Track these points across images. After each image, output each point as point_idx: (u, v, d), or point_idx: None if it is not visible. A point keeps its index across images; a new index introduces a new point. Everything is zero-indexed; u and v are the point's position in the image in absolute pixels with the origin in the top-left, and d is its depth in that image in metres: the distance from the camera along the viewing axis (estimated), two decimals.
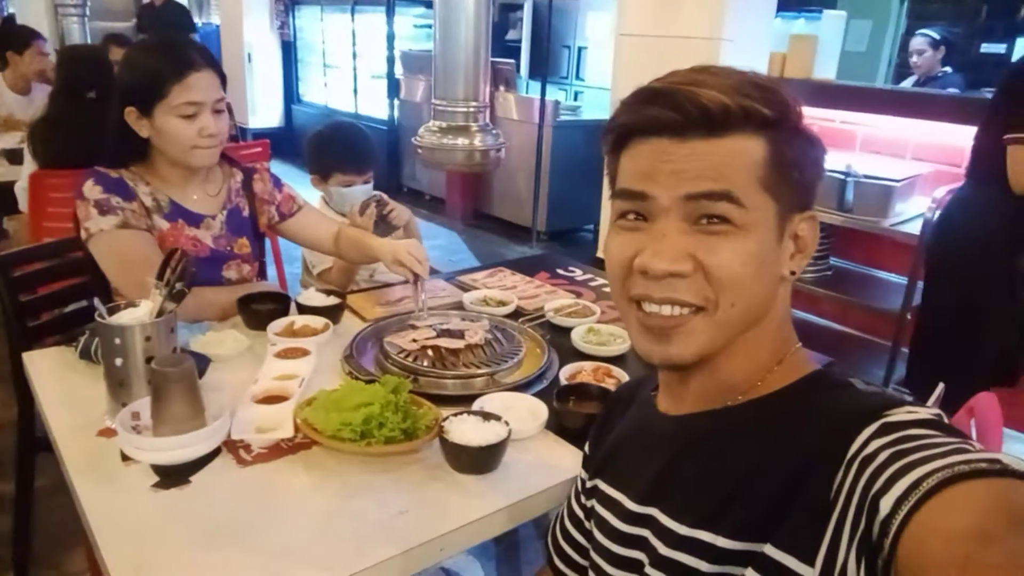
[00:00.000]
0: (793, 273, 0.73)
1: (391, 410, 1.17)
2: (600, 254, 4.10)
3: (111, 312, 1.21)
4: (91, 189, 1.53)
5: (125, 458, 1.11)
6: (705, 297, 0.69)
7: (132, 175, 1.59)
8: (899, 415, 0.59)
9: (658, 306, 0.70)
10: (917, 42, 4.39)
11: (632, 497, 0.79)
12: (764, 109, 0.67)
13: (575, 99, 6.92)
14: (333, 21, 7.55)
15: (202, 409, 1.13)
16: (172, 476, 1.08)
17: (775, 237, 0.70)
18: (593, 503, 0.88)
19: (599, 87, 6.82)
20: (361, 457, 1.15)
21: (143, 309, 1.21)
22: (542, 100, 5.14)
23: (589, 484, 0.91)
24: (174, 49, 1.55)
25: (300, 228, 1.89)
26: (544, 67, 5.54)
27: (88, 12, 6.57)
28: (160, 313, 1.20)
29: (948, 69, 4.21)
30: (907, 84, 4.44)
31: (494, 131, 1.74)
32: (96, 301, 1.19)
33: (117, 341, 1.16)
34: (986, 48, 4.82)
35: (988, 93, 2.91)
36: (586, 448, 0.98)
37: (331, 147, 2.24)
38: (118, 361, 1.17)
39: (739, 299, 0.69)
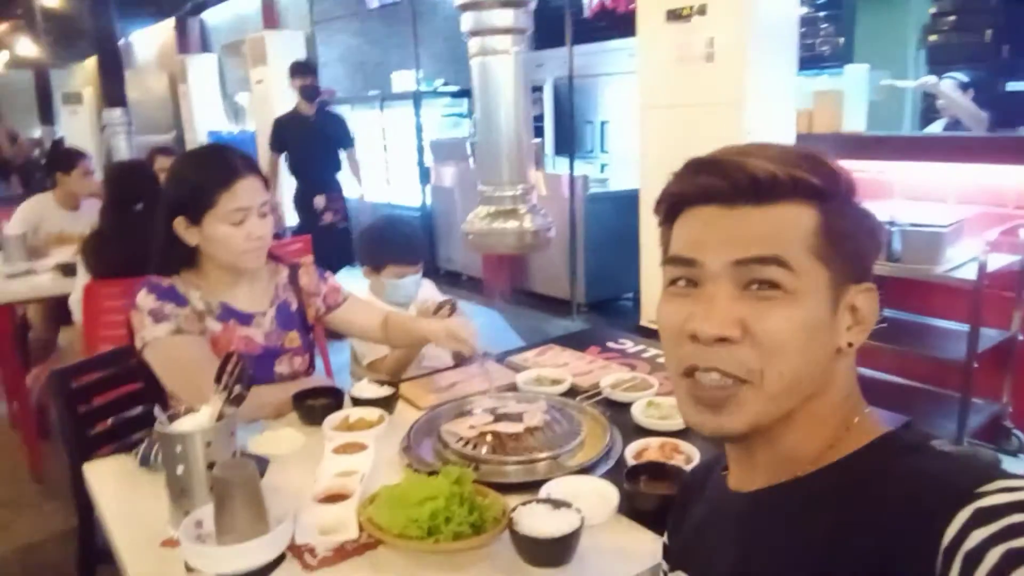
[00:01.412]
0: (851, 345, 0.70)
1: (457, 503, 1.13)
2: (644, 322, 4.06)
3: (171, 419, 1.20)
4: (144, 298, 1.56)
5: (190, 569, 1.09)
6: (749, 369, 0.66)
7: (183, 281, 1.63)
8: (994, 498, 0.55)
9: (706, 374, 0.69)
10: (950, 84, 4.35)
11: None
12: (812, 178, 0.67)
13: (602, 171, 7.02)
14: (362, 117, 7.82)
15: (265, 513, 1.10)
16: None
17: (828, 307, 0.68)
18: None
19: (625, 159, 6.92)
20: (430, 555, 1.10)
21: (203, 414, 1.20)
22: (571, 175, 5.21)
23: (671, 574, 0.86)
24: (220, 158, 1.61)
25: (348, 318, 1.90)
26: (570, 143, 5.64)
27: (132, 128, 6.91)
28: (220, 417, 1.19)
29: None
30: (936, 128, 4.41)
31: (542, 211, 1.74)
32: (156, 409, 1.19)
33: (178, 448, 1.16)
34: (1012, 86, 4.79)
35: None
36: (665, 538, 0.93)
37: (384, 239, 2.27)
38: (179, 469, 1.16)
39: (787, 368, 0.66)
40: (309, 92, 5.30)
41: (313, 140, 5.29)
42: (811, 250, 0.66)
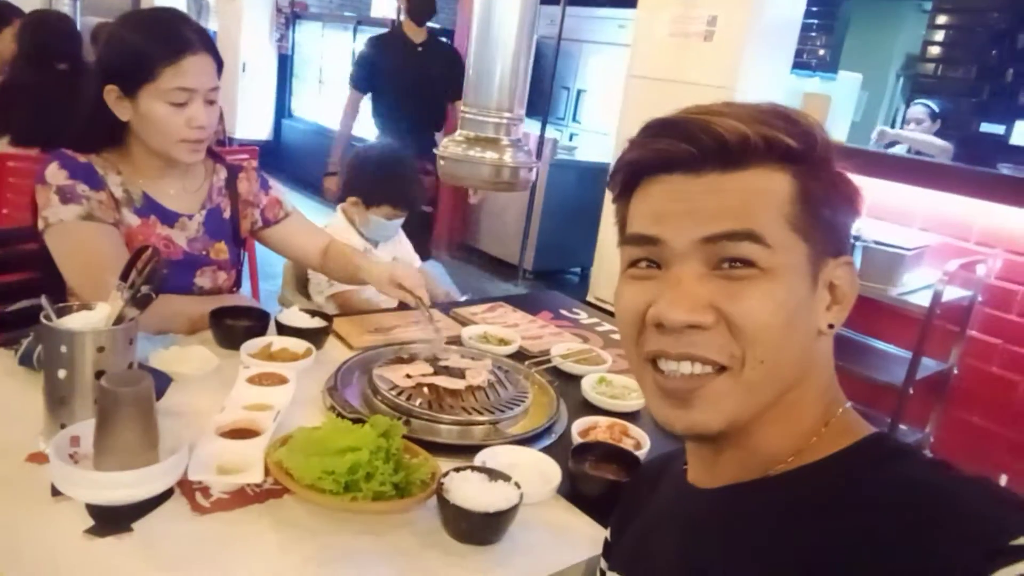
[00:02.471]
0: (831, 327, 0.62)
1: (381, 459, 0.98)
2: (591, 298, 3.97)
3: (60, 313, 1.02)
4: (54, 174, 1.35)
5: (56, 492, 0.92)
6: (730, 354, 0.59)
7: (103, 161, 1.41)
8: None
9: (676, 363, 0.61)
10: (916, 111, 4.33)
11: None
12: (787, 138, 0.59)
13: (570, 140, 6.87)
14: (334, 38, 7.45)
15: (156, 440, 0.94)
16: (111, 520, 0.89)
17: (808, 284, 0.60)
18: None
19: (595, 131, 6.79)
20: (342, 513, 0.96)
21: (99, 313, 1.02)
22: (541, 138, 5.05)
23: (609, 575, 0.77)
24: (169, 26, 1.38)
25: (286, 237, 1.70)
26: (545, 106, 5.47)
27: (79, 2, 6.37)
28: (119, 320, 1.01)
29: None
30: (899, 151, 4.41)
31: (526, 148, 1.58)
32: (43, 300, 1.00)
33: (63, 349, 0.97)
34: (985, 128, 4.84)
35: (1005, 169, 2.86)
36: (608, 534, 0.83)
37: (391, 178, 2.11)
38: (61, 373, 0.98)
39: (768, 354, 0.59)
40: (423, 7, 3.52)
41: (419, 80, 3.57)
42: (787, 221, 0.59)
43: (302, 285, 2.17)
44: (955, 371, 3.00)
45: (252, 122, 7.75)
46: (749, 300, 0.58)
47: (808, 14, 5.84)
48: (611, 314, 3.43)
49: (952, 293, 2.82)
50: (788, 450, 0.62)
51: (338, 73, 7.36)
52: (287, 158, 7.67)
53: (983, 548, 0.47)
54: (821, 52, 6.52)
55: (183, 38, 1.36)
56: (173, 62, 1.34)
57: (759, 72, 3.14)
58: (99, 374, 0.98)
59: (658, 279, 0.62)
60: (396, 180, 2.09)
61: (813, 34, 5.86)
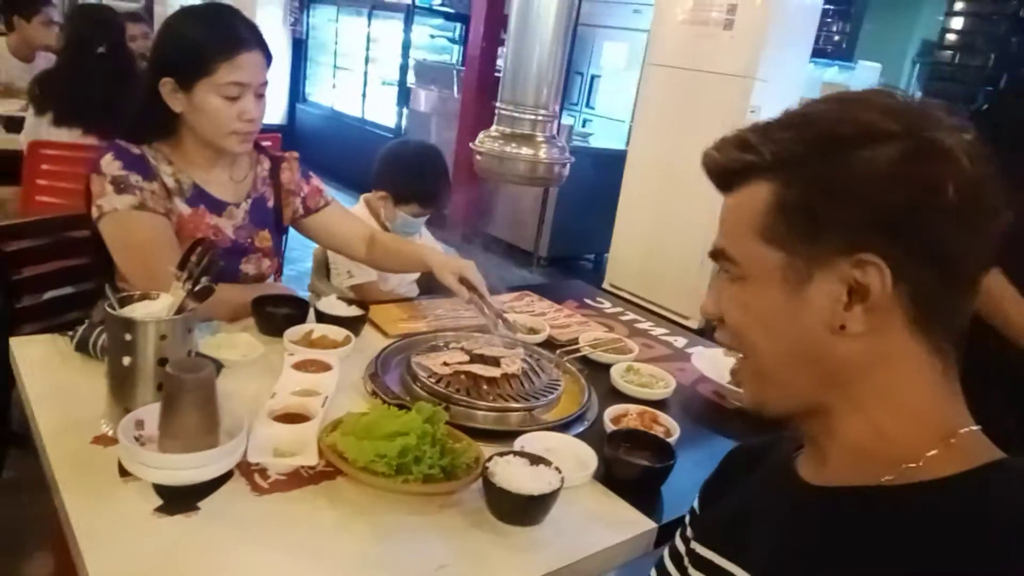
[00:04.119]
0: (843, 327, 0.61)
1: (428, 443, 1.04)
2: (606, 285, 4.00)
3: (123, 303, 1.07)
4: (109, 164, 1.39)
5: (124, 472, 0.97)
6: (733, 345, 0.70)
7: (155, 152, 1.46)
8: None
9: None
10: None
11: (749, 569, 0.68)
12: (756, 157, 0.64)
13: (583, 126, 6.87)
14: (348, 23, 7.45)
15: (218, 424, 0.99)
16: (179, 500, 0.94)
17: (784, 289, 0.64)
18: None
19: (609, 117, 6.79)
20: (393, 494, 1.01)
21: (160, 303, 1.07)
22: (557, 124, 5.06)
23: (699, 551, 0.77)
24: (226, 22, 1.43)
25: (327, 225, 1.74)
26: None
27: None
28: (180, 310, 1.06)
29: None
30: None
31: (560, 143, 1.61)
32: (108, 289, 1.05)
33: (127, 337, 1.02)
34: None
35: None
36: (695, 505, 0.86)
37: (425, 176, 2.13)
38: (126, 360, 1.03)
39: (752, 348, 0.68)
40: None
41: None
42: (758, 233, 0.64)
43: (327, 273, 2.22)
44: None
45: (267, 107, 7.78)
46: (727, 301, 0.69)
47: (826, 0, 5.83)
48: (630, 302, 3.45)
49: None
50: (895, 460, 0.61)
51: (353, 58, 7.38)
52: (302, 143, 7.69)
53: None
54: (837, 39, 6.50)
55: (239, 35, 1.41)
56: (229, 58, 1.39)
57: (779, 61, 3.14)
58: (161, 361, 1.03)
59: None
60: (428, 180, 2.11)
61: (829, 20, 5.84)
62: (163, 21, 1.56)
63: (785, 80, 3.20)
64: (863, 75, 3.30)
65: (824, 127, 0.62)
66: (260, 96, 1.45)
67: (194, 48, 1.40)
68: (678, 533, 0.85)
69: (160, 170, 1.44)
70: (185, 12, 1.48)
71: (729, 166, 0.67)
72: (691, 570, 0.77)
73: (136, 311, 1.06)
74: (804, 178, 0.62)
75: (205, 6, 1.60)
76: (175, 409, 0.96)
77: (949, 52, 5.25)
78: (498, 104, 1.59)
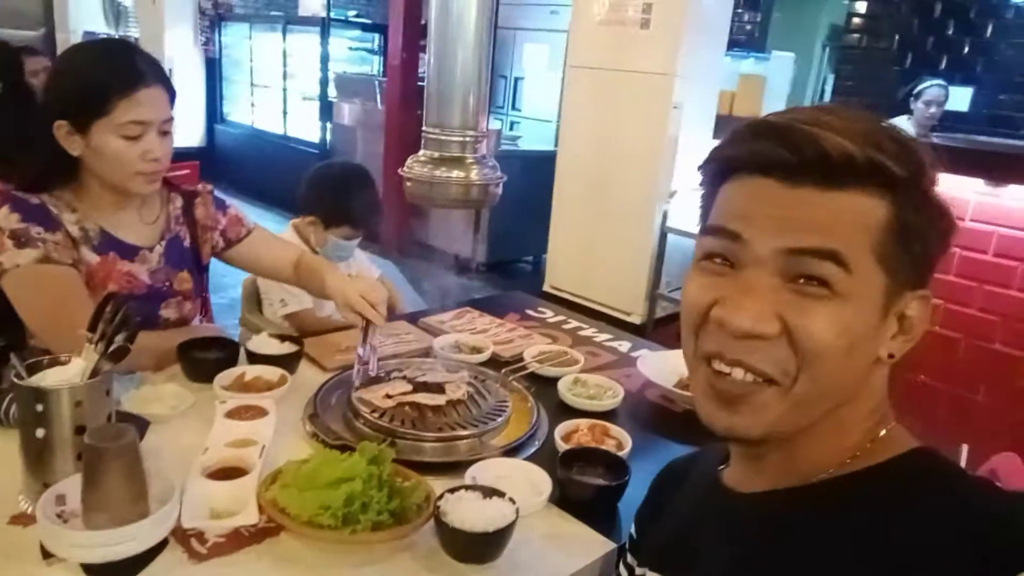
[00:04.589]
0: (892, 356, 0.63)
1: (375, 486, 1.00)
2: (547, 287, 4.01)
3: (31, 370, 0.99)
4: (7, 217, 1.30)
5: (47, 554, 0.90)
6: (784, 370, 0.59)
7: (56, 200, 1.37)
8: None
9: (728, 368, 0.62)
10: (935, 92, 4.09)
11: None
12: (894, 166, 0.57)
13: (511, 128, 6.88)
14: (263, 39, 7.27)
15: (145, 491, 0.93)
16: None
17: (878, 314, 0.60)
18: None
19: (536, 118, 6.81)
20: (341, 545, 0.97)
21: (73, 367, 1.00)
22: (485, 130, 5.03)
23: (640, 571, 0.79)
24: (122, 58, 1.34)
25: (252, 254, 1.67)
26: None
27: None
28: (94, 373, 0.99)
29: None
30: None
31: (491, 163, 1.58)
32: (13, 358, 0.97)
33: (39, 407, 0.95)
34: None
35: (934, 136, 2.99)
36: (632, 530, 0.85)
37: (352, 197, 2.05)
38: (39, 432, 0.96)
39: (822, 375, 0.59)
40: None
41: None
42: (873, 249, 0.58)
43: (257, 304, 2.14)
44: None
45: (184, 129, 7.52)
46: (817, 319, 0.58)
47: None
48: (570, 304, 3.44)
49: None
50: (829, 463, 0.63)
51: (270, 74, 7.20)
52: (223, 164, 7.48)
53: (1013, 553, 0.50)
54: (749, 28, 6.67)
55: (136, 70, 1.32)
56: (127, 95, 1.31)
57: (697, 56, 3.19)
58: (80, 429, 0.96)
59: (729, 278, 0.62)
60: (358, 200, 2.06)
61: (740, 11, 5.98)
62: (55, 59, 1.46)
63: (704, 75, 3.25)
64: (778, 65, 3.38)
65: (933, 161, 0.60)
66: (165, 133, 1.37)
67: (88, 87, 1.31)
68: (620, 562, 0.85)
69: (63, 219, 1.35)
70: (76, 48, 1.40)
71: (858, 162, 0.57)
72: None
73: (47, 378, 0.98)
74: (923, 207, 0.59)
75: (99, 42, 1.51)
76: (98, 481, 0.89)
77: (856, 36, 5.46)
78: (424, 128, 1.55)
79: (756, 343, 0.59)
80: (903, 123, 4.01)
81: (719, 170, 0.65)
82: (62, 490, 0.93)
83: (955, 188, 2.92)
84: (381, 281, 2.26)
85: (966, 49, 4.88)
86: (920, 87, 4.06)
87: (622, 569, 0.84)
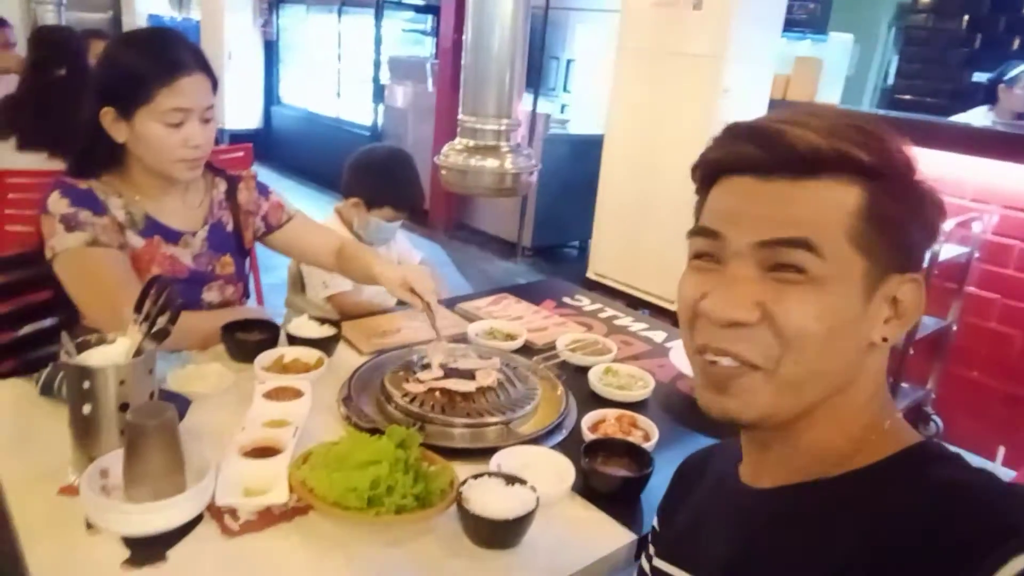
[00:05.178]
0: (885, 340, 0.64)
1: (401, 470, 1.03)
2: (591, 274, 3.99)
3: (80, 348, 1.04)
4: (56, 202, 1.36)
5: (90, 525, 0.95)
6: (767, 356, 0.62)
7: (103, 186, 1.43)
8: None
9: (716, 357, 0.64)
10: None
11: None
12: (860, 152, 0.60)
13: (562, 111, 6.83)
14: (318, 22, 7.37)
15: (183, 467, 0.97)
16: (146, 550, 0.93)
17: (860, 298, 0.61)
18: None
19: (588, 101, 6.74)
20: (367, 525, 1.00)
21: (118, 347, 1.05)
22: (533, 112, 5.02)
23: (657, 564, 0.80)
24: (164, 47, 1.39)
25: (293, 239, 1.71)
26: (536, 79, 5.43)
27: (64, 1, 6.31)
28: (138, 352, 1.04)
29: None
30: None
31: (526, 151, 1.59)
32: (64, 337, 1.03)
33: (86, 385, 1.00)
34: (978, 77, 4.81)
35: (999, 124, 2.86)
36: (655, 523, 0.87)
37: (395, 179, 2.08)
38: (86, 408, 1.01)
39: (805, 358, 0.61)
40: None
41: None
42: (848, 235, 0.60)
43: (302, 286, 2.20)
44: (954, 328, 3.03)
45: (241, 111, 7.71)
46: (795, 304, 0.60)
47: None
48: (612, 291, 3.42)
49: (950, 251, 2.84)
50: (835, 455, 0.64)
51: (326, 57, 7.30)
52: (279, 146, 7.64)
53: (1012, 539, 0.50)
54: (812, 6, 6.45)
55: (177, 58, 1.37)
56: (168, 83, 1.35)
57: (750, 38, 3.11)
58: (124, 406, 1.01)
59: (715, 273, 0.65)
60: (400, 182, 2.08)
61: None
62: (104, 47, 1.52)
63: (756, 58, 3.17)
64: (835, 46, 3.27)
65: (903, 151, 0.62)
66: (206, 121, 1.42)
67: (131, 75, 1.36)
68: (643, 554, 0.86)
69: (110, 204, 1.41)
70: (123, 38, 1.45)
71: (823, 152, 0.60)
72: None
73: (93, 357, 1.03)
74: (897, 194, 0.61)
75: (144, 31, 1.56)
76: (138, 456, 0.94)
77: (923, 16, 5.24)
78: (460, 115, 1.56)
79: (740, 331, 0.62)
80: (980, 115, 3.80)
81: (706, 174, 0.68)
82: (106, 464, 0.98)
83: (1018, 179, 2.80)
84: (425, 265, 2.30)
85: None
86: (1011, 73, 3.84)
87: (643, 560, 0.86)
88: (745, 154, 0.63)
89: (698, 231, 0.68)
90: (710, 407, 0.66)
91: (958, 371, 3.06)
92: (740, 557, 0.67)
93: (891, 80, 5.95)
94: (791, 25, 5.48)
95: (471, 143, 1.57)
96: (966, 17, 4.86)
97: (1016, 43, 4.69)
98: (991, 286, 2.96)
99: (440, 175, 1.63)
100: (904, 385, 3.01)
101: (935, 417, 3.14)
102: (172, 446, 0.96)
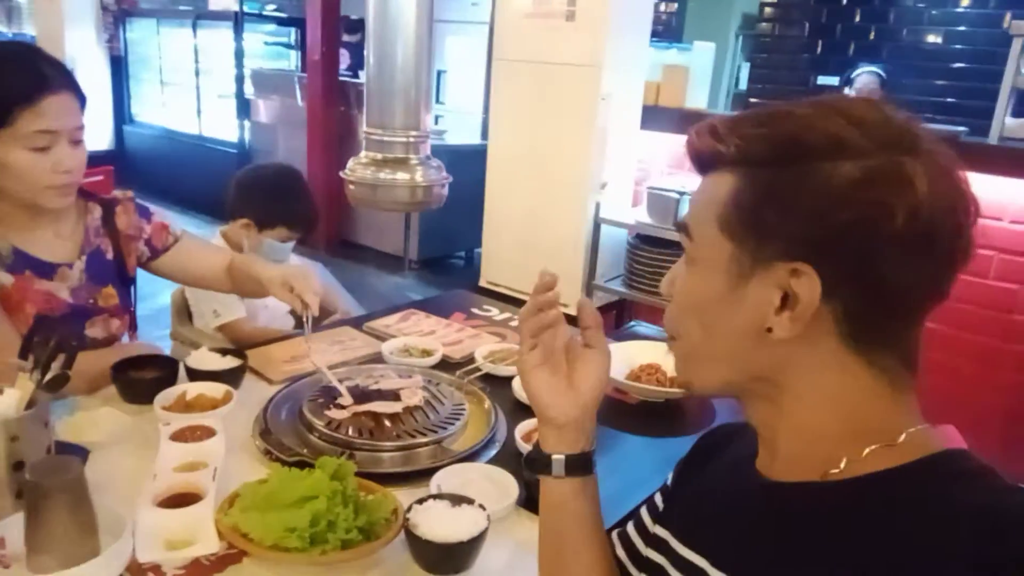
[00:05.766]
0: (770, 330, 0.62)
1: (339, 503, 0.97)
2: (483, 283, 3.99)
3: None
4: None
5: None
6: (673, 326, 0.71)
7: None
8: None
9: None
10: (866, 80, 4.21)
11: (716, 565, 0.68)
12: (720, 146, 0.64)
13: (436, 122, 6.81)
14: (172, 35, 6.96)
15: (95, 527, 0.87)
16: None
17: (728, 280, 0.64)
18: (661, 560, 0.74)
19: (461, 111, 6.76)
20: (308, 567, 0.93)
21: (6, 400, 0.93)
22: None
23: (658, 532, 0.77)
24: (24, 62, 1.25)
25: (184, 262, 1.58)
26: None
27: None
28: (30, 404, 0.92)
29: None
30: None
31: (436, 163, 1.55)
32: None
33: None
34: (822, 80, 5.24)
35: None
36: (668, 479, 0.84)
37: (287, 197, 1.98)
38: None
39: (679, 329, 0.70)
40: None
41: None
42: (717, 220, 0.64)
43: (188, 316, 2.05)
44: None
45: (89, 132, 7.13)
46: (679, 282, 0.69)
47: None
48: (511, 300, 3.43)
49: None
50: (835, 454, 0.62)
51: (182, 72, 6.91)
52: (135, 167, 7.14)
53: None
54: (666, 18, 6.80)
55: (39, 76, 1.23)
56: (31, 104, 1.22)
57: (622, 48, 3.21)
58: (17, 465, 0.89)
59: None
60: (294, 200, 1.99)
61: (657, 1, 6.10)
62: None
63: (630, 65, 3.29)
64: (699, 54, 3.45)
65: (792, 131, 0.60)
66: (77, 142, 1.29)
67: None
68: (644, 506, 0.84)
69: None
70: None
71: (701, 152, 0.66)
72: (642, 546, 0.80)
73: None
74: (761, 179, 0.61)
75: (1, 45, 1.40)
76: (42, 520, 0.83)
77: (768, 24, 5.64)
78: (365, 128, 1.50)
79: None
80: None
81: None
82: (2, 532, 0.87)
83: None
84: (324, 282, 2.21)
85: (872, 35, 5.11)
86: (854, 74, 4.22)
87: (630, 528, 0.84)
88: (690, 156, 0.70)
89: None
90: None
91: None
92: (741, 543, 0.66)
93: (743, 84, 6.37)
94: (652, 36, 5.78)
95: (379, 156, 1.51)
96: (807, 25, 5.29)
97: (852, 48, 5.14)
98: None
99: (347, 190, 1.56)
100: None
101: None
102: (81, 505, 0.86)
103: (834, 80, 4.95)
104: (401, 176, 1.50)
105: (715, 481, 0.77)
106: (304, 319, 1.42)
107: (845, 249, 0.58)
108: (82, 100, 1.32)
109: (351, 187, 1.55)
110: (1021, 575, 0.50)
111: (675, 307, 0.70)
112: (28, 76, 1.23)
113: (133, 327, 1.57)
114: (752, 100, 5.64)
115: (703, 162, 0.67)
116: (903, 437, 0.61)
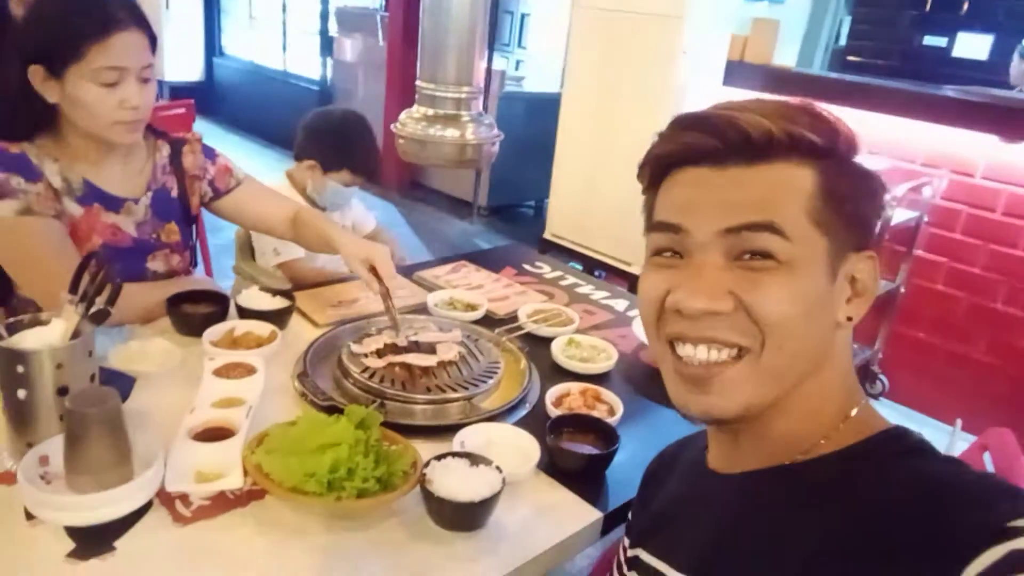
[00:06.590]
0: (850, 319, 0.65)
1: (361, 452, 0.99)
2: (548, 235, 3.96)
3: (12, 330, 0.97)
4: None
5: (30, 516, 0.90)
6: (752, 336, 0.61)
7: (37, 150, 1.32)
8: None
9: (693, 347, 0.64)
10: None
11: (678, 567, 0.70)
12: (810, 134, 0.61)
13: (516, 68, 6.71)
14: None
15: (129, 455, 0.92)
16: (92, 541, 0.88)
17: (826, 277, 0.62)
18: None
19: (542, 56, 6.63)
20: (327, 510, 0.96)
21: (54, 328, 0.98)
22: (488, 69, 4.90)
23: (630, 553, 0.79)
24: (96, 1, 1.28)
25: (241, 206, 1.62)
26: (491, 34, 5.29)
27: None
28: (76, 334, 0.97)
29: None
30: None
31: (487, 120, 1.52)
32: None
33: (20, 369, 0.93)
34: (928, 40, 4.87)
35: (949, 91, 2.90)
36: (629, 514, 0.88)
37: (352, 142, 2.00)
38: (21, 393, 0.94)
39: (787, 341, 0.61)
40: None
41: None
42: (808, 215, 0.61)
43: (251, 253, 2.12)
44: (902, 290, 3.11)
45: (181, 63, 7.37)
46: (767, 290, 0.60)
47: None
48: (570, 252, 3.40)
49: (900, 215, 2.90)
50: (806, 440, 0.65)
51: (270, 8, 7.00)
52: (222, 100, 7.35)
53: (984, 532, 0.49)
54: None
55: (109, 13, 1.26)
56: (100, 39, 1.25)
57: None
58: (62, 390, 0.95)
59: (679, 268, 0.65)
60: (359, 146, 2.00)
61: None
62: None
63: (714, 18, 3.13)
64: (793, 8, 3.25)
65: (838, 123, 0.63)
66: (145, 80, 1.32)
67: (60, 30, 1.25)
68: (613, 568, 0.86)
69: (44, 169, 1.31)
70: None
71: (776, 136, 0.61)
72: (626, 571, 0.80)
73: (27, 339, 0.96)
74: (847, 172, 0.63)
75: None
76: (80, 445, 0.88)
77: None
78: (417, 82, 1.48)
79: (717, 319, 0.62)
80: None
81: (655, 170, 0.68)
82: (45, 451, 0.92)
83: (967, 145, 2.85)
84: (380, 230, 2.24)
85: None
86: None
87: (620, 551, 0.85)
88: (697, 144, 0.63)
89: (656, 226, 0.67)
90: (690, 406, 0.66)
91: (904, 331, 3.15)
92: (715, 545, 0.67)
93: (843, 41, 5.99)
94: None
95: (430, 111, 1.49)
96: None
97: (965, 7, 4.75)
98: (939, 250, 3.03)
99: (397, 144, 1.55)
100: (853, 345, 3.10)
101: (881, 376, 3.24)
102: (116, 435, 0.90)
103: (942, 41, 4.60)
104: (451, 133, 1.47)
105: (674, 494, 0.78)
106: (384, 304, 1.42)
107: (878, 230, 0.65)
108: (152, 39, 1.35)
109: (400, 141, 1.54)
110: (976, 539, 0.49)
111: (771, 320, 0.60)
112: (99, 12, 1.26)
113: (193, 263, 1.63)
114: (849, 58, 5.30)
115: (762, 146, 0.61)
116: (854, 412, 0.65)
